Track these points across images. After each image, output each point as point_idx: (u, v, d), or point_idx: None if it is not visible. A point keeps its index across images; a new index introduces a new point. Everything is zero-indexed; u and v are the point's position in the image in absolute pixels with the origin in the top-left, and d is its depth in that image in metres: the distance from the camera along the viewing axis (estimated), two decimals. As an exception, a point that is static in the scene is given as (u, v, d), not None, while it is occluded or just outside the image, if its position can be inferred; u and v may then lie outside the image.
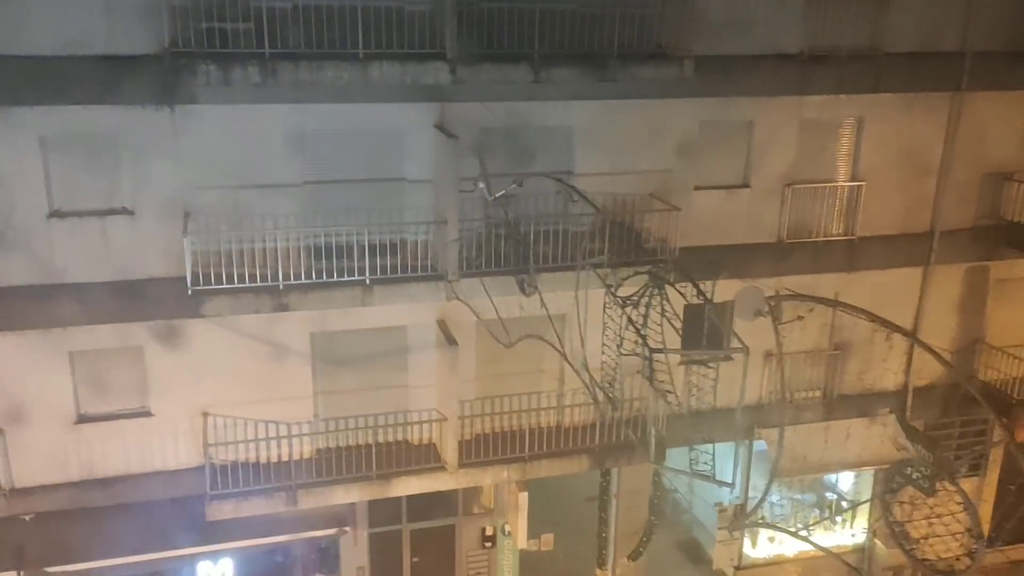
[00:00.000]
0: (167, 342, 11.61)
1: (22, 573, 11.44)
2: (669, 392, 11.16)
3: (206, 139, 11.10)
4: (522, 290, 11.83)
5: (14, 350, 11.12)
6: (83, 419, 11.63)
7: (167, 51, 10.39)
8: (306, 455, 12.28)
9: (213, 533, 11.71)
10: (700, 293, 10.78)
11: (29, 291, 10.95)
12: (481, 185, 11.91)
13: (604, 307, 11.33)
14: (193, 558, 12.15)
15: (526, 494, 13.12)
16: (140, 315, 11.40)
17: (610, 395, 12.27)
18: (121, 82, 10.71)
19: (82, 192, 10.95)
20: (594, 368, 12.11)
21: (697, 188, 13.15)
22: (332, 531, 12.59)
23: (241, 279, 11.06)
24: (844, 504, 16.04)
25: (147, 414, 11.80)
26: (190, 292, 10.74)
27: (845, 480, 16.05)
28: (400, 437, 12.48)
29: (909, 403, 15.25)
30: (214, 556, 12.31)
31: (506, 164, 12.12)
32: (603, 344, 11.83)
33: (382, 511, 13.17)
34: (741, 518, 14.64)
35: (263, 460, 11.92)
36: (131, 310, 11.34)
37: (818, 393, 14.80)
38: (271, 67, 10.54)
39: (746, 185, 13.50)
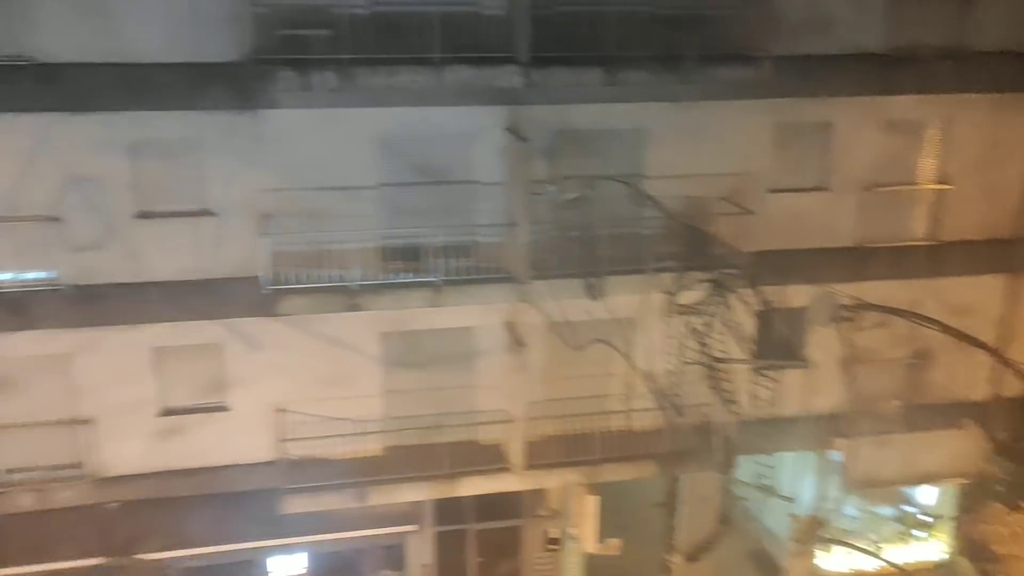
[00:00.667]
0: (244, 339, 12.23)
1: (109, 560, 12.18)
2: (733, 401, 11.26)
3: (285, 143, 11.68)
4: (590, 294, 12.08)
5: (104, 345, 11.92)
6: (167, 412, 12.42)
7: (250, 58, 10.99)
8: (375, 453, 12.78)
9: (285, 527, 12.29)
10: (764, 302, 10.83)
11: (117, 289, 11.74)
12: (551, 188, 12.23)
13: (665, 314, 11.48)
14: (266, 550, 12.76)
15: (594, 498, 13.34)
16: (219, 313, 12.05)
17: (675, 402, 12.41)
18: (205, 88, 11.35)
19: (167, 194, 11.67)
20: (660, 373, 12.29)
21: (772, 191, 13.19)
22: (400, 528, 13.05)
23: (315, 279, 11.61)
24: (925, 519, 15.82)
25: (225, 409, 12.46)
26: (266, 291, 11.33)
27: (926, 494, 15.83)
28: (467, 437, 12.87)
29: (994, 415, 14.96)
30: (287, 549, 12.90)
31: (577, 167, 12.42)
32: (668, 350, 11.98)
33: (448, 510, 13.58)
34: (813, 531, 14.58)
35: (334, 457, 12.46)
36: (211, 308, 12.01)
37: (897, 403, 14.64)
38: (348, 72, 11.05)
39: (824, 188, 13.48)
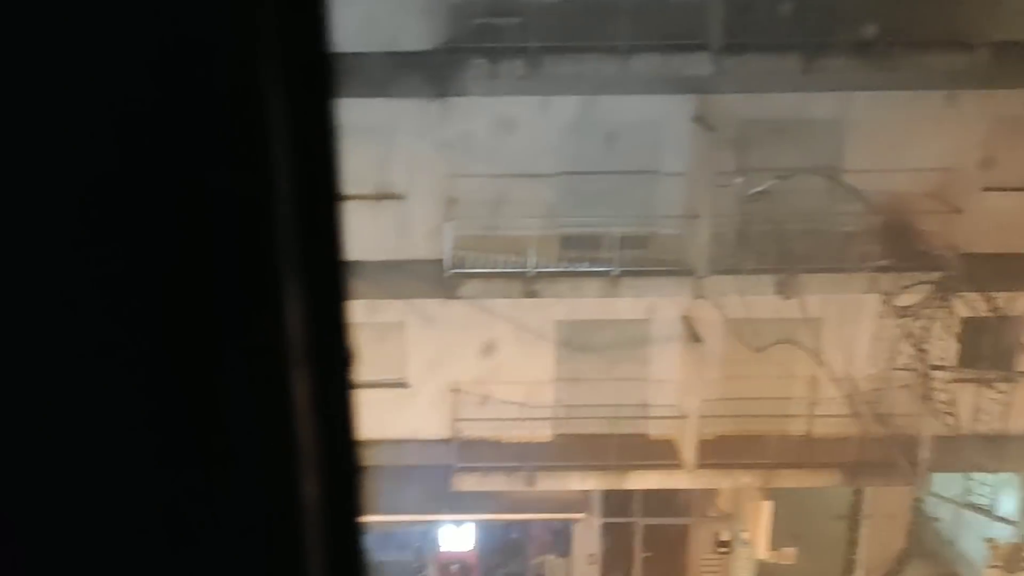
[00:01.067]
0: (425, 320, 12.84)
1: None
2: (949, 413, 10.61)
3: (471, 129, 12.10)
4: (781, 292, 11.73)
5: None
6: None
7: (443, 46, 11.48)
8: (546, 439, 13.07)
9: (455, 503, 12.83)
10: (993, 308, 10.14)
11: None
12: (739, 180, 11.96)
13: (871, 316, 10.97)
14: (435, 524, 13.39)
15: (769, 503, 13.02)
16: (404, 293, 12.69)
17: (872, 409, 11.86)
18: (399, 76, 11.94)
19: (357, 177, 12.37)
20: (856, 378, 11.78)
21: (987, 189, 12.27)
22: (567, 515, 13.31)
23: (495, 264, 12.00)
24: None
25: (404, 385, 13.13)
26: (448, 274, 11.84)
27: None
28: (638, 430, 12.90)
29: None
30: (456, 525, 13.49)
31: (767, 158, 12.07)
32: (871, 354, 11.46)
33: (616, 502, 13.69)
34: (1018, 559, 13.54)
35: (505, 440, 12.85)
36: (396, 288, 12.67)
37: None
38: (536, 60, 11.30)
39: (1053, 187, 12.39)
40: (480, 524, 13.56)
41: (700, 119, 11.96)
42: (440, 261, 12.07)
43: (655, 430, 13.00)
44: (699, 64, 11.27)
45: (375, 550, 13.61)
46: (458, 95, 12.29)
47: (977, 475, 12.84)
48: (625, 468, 12.54)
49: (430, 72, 12.09)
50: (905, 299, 10.67)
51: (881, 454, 12.28)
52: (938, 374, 10.44)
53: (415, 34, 11.84)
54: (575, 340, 13.06)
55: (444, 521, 13.41)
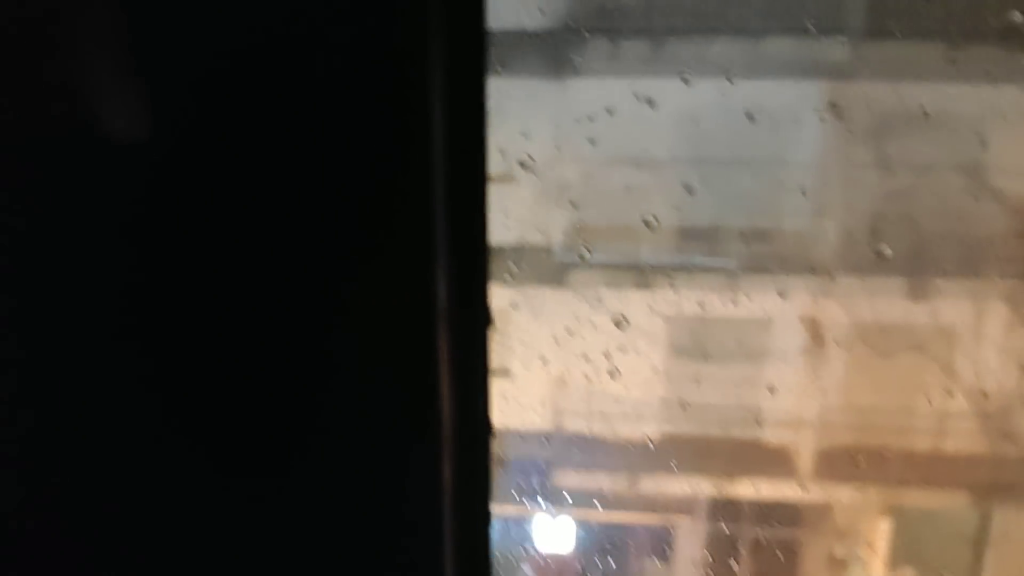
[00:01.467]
0: (532, 307, 12.63)
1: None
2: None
3: (589, 112, 11.81)
4: (913, 296, 11.22)
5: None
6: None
7: (563, 26, 11.24)
8: (651, 438, 12.75)
9: (554, 498, 12.64)
10: None
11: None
12: (873, 174, 11.43)
13: (1015, 327, 10.39)
14: (532, 517, 13.24)
15: (888, 520, 12.50)
16: (510, 280, 12.50)
17: (1005, 428, 11.26)
18: (516, 55, 11.73)
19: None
20: (996, 393, 11.18)
21: None
22: (670, 518, 12.98)
23: (608, 253, 11.73)
24: None
25: (507, 374, 12.98)
26: (558, 262, 11.63)
27: None
28: (751, 436, 12.47)
29: None
30: (555, 519, 13.31)
31: (905, 152, 11.50)
32: (1002, 368, 10.87)
33: (723, 508, 13.27)
34: None
35: (609, 437, 12.59)
36: (503, 274, 12.49)
37: None
38: (659, 41, 10.96)
39: None
40: (579, 522, 13.36)
41: (834, 107, 11.47)
42: (550, 248, 11.87)
43: (770, 436, 12.57)
44: (835, 49, 10.80)
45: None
46: (576, 76, 12.05)
47: None
48: (735, 474, 12.17)
49: (548, 52, 11.86)
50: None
51: (1013, 475, 11.71)
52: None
53: (534, 13, 11.64)
54: (688, 337, 12.69)
55: (541, 516, 13.26)
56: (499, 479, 13.09)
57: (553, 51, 11.64)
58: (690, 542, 13.96)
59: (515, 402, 13.17)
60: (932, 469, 12.09)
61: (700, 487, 12.55)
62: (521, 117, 12.07)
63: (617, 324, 12.87)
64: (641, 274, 11.70)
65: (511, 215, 12.41)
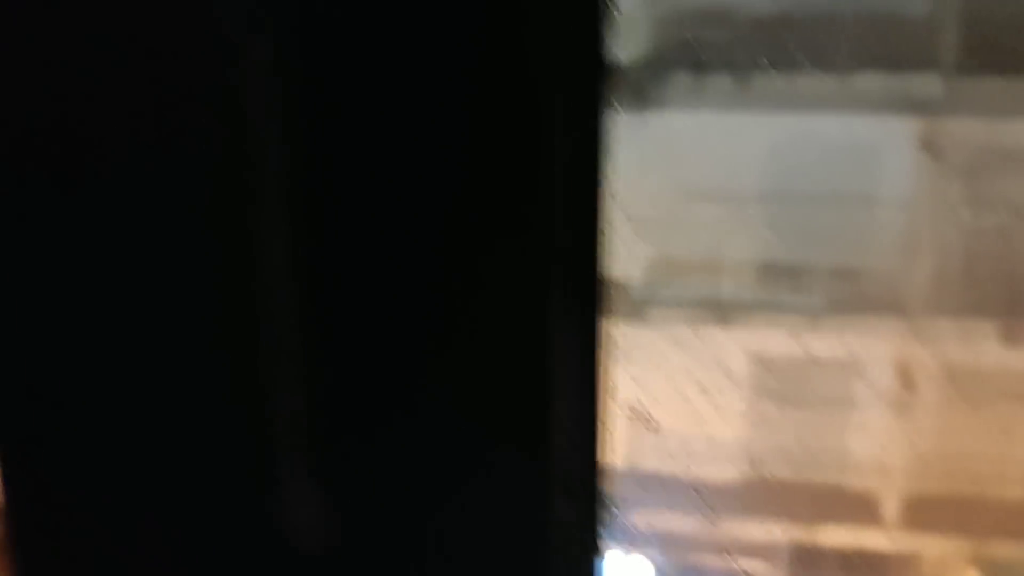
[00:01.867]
0: (608, 343, 12.56)
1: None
2: None
3: (671, 146, 11.78)
4: (1007, 340, 10.89)
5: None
6: (527, 403, 13.15)
7: (646, 59, 11.27)
8: (730, 479, 12.51)
9: (628, 538, 12.48)
10: None
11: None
12: (966, 214, 11.18)
13: None
14: (606, 557, 13.07)
15: (977, 572, 12.05)
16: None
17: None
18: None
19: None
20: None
21: None
22: (749, 564, 12.69)
23: (687, 289, 11.63)
24: None
25: (582, 408, 12.91)
26: (635, 297, 11.56)
27: None
28: (834, 481, 12.17)
29: None
30: (628, 557, 13.14)
31: (1001, 191, 11.21)
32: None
33: (803, 555, 12.94)
34: None
35: (685, 477, 12.40)
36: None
37: None
38: (744, 76, 10.91)
39: None
40: (654, 563, 13.16)
41: (926, 145, 11.25)
42: (628, 283, 11.82)
43: (854, 483, 12.25)
44: (928, 85, 10.63)
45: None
46: (659, 110, 12.03)
47: None
48: (816, 520, 11.88)
49: (631, 85, 11.88)
50: None
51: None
52: None
53: (617, 46, 11.66)
54: (768, 377, 12.47)
55: (614, 555, 13.10)
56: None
57: (635, 85, 11.67)
58: (768, 589, 13.66)
59: (590, 438, 13.10)
60: (1023, 520, 11.68)
61: (781, 532, 12.28)
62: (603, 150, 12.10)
63: (695, 361, 12.75)
64: (721, 311, 11.57)
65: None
